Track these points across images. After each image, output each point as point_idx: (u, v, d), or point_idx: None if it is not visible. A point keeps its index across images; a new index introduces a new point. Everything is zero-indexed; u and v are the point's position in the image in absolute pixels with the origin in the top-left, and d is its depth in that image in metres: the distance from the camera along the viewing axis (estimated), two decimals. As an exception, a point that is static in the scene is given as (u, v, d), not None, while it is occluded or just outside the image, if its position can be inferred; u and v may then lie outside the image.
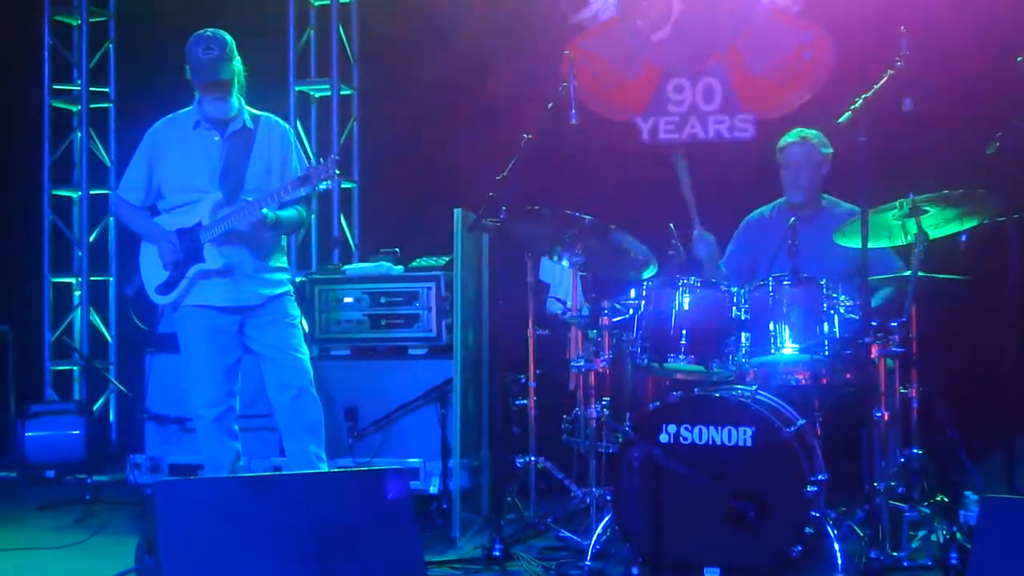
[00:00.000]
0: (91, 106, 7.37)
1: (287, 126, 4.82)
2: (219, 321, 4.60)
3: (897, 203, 4.10)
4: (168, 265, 4.58)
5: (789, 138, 5.02)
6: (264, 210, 4.46)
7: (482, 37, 6.58)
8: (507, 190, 4.36)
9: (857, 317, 4.10)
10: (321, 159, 4.54)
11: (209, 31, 4.55)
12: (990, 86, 5.42)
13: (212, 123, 4.60)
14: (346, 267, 5.87)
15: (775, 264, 4.73)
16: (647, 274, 4.54)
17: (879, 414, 4.08)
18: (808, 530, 3.86)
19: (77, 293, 7.40)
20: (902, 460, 4.25)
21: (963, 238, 4.28)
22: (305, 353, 4.71)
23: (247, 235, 4.53)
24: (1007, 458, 4.38)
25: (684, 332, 4.19)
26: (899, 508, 4.17)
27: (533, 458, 4.85)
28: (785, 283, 4.21)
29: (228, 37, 4.55)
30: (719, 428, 3.96)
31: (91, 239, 7.37)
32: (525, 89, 6.07)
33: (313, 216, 4.92)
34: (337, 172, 4.45)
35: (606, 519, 4.18)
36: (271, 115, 4.77)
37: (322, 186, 4.58)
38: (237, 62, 4.57)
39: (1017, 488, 4.36)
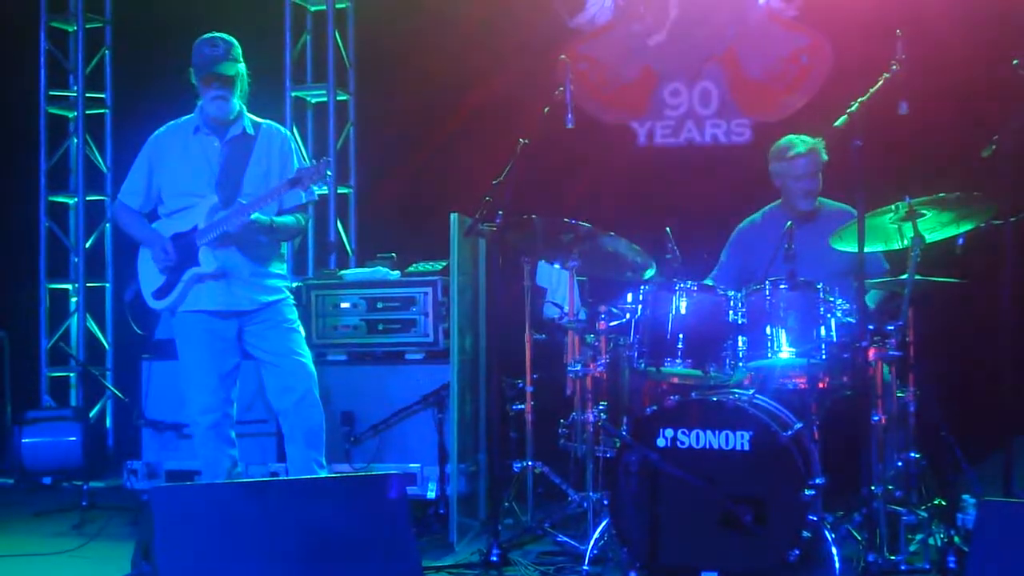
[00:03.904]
0: (87, 112, 7.35)
1: (288, 133, 4.81)
2: (215, 326, 4.59)
3: (893, 206, 4.10)
4: (163, 270, 4.59)
5: (798, 149, 4.89)
6: (256, 215, 4.45)
7: (478, 41, 6.59)
8: (504, 194, 4.36)
9: (854, 321, 4.10)
10: (314, 161, 4.53)
11: (217, 34, 4.58)
12: (986, 89, 5.44)
13: (212, 127, 4.60)
14: (343, 272, 5.86)
15: (771, 269, 4.72)
16: (647, 275, 4.55)
17: (876, 418, 4.08)
18: (806, 534, 3.85)
19: (74, 299, 7.39)
20: (899, 464, 4.25)
21: (960, 241, 4.28)
22: (308, 357, 4.70)
23: (240, 238, 4.53)
24: (1005, 461, 4.37)
25: (681, 336, 4.18)
26: (897, 512, 4.16)
27: (530, 463, 4.85)
28: (782, 287, 4.21)
29: (235, 42, 4.58)
30: (716, 432, 3.96)
31: (87, 245, 7.36)
32: (521, 93, 6.07)
33: (310, 221, 4.90)
34: (329, 173, 4.44)
35: (603, 523, 4.18)
36: (273, 122, 4.77)
37: (318, 190, 4.57)
38: (242, 66, 4.59)
39: (1015, 491, 4.35)
